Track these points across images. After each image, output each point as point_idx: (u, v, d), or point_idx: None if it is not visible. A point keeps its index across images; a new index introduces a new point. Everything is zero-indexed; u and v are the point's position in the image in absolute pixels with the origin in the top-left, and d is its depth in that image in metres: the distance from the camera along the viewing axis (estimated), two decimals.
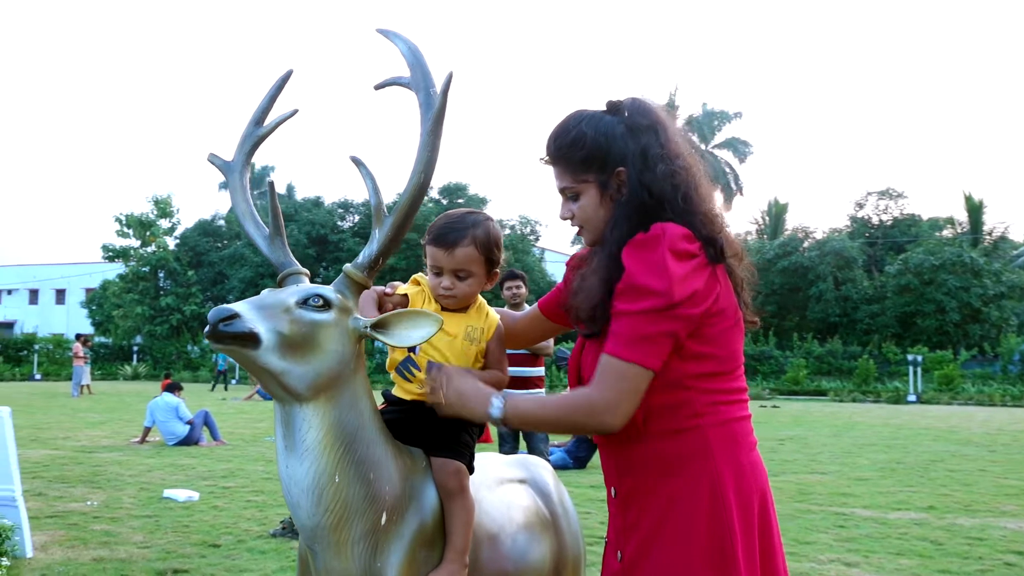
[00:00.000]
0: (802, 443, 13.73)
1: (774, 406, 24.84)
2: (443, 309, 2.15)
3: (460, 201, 43.47)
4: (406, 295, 2.16)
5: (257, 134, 2.22)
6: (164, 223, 44.96)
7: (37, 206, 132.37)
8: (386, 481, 1.97)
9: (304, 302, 1.91)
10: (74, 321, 56.97)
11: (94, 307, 49.39)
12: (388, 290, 2.16)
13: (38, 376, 38.11)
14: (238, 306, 1.82)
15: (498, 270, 2.20)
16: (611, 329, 1.78)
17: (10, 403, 7.18)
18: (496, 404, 1.86)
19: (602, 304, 1.82)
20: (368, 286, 2.05)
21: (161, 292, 45.11)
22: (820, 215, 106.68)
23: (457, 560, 2.03)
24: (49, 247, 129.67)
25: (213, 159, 2.22)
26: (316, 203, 46.65)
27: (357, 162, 2.07)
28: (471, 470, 2.17)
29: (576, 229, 1.97)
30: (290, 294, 1.93)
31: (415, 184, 1.98)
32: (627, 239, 1.81)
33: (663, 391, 1.79)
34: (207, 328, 1.77)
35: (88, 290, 55.84)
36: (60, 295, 63.91)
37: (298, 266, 2.11)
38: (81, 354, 25.73)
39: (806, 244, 42.12)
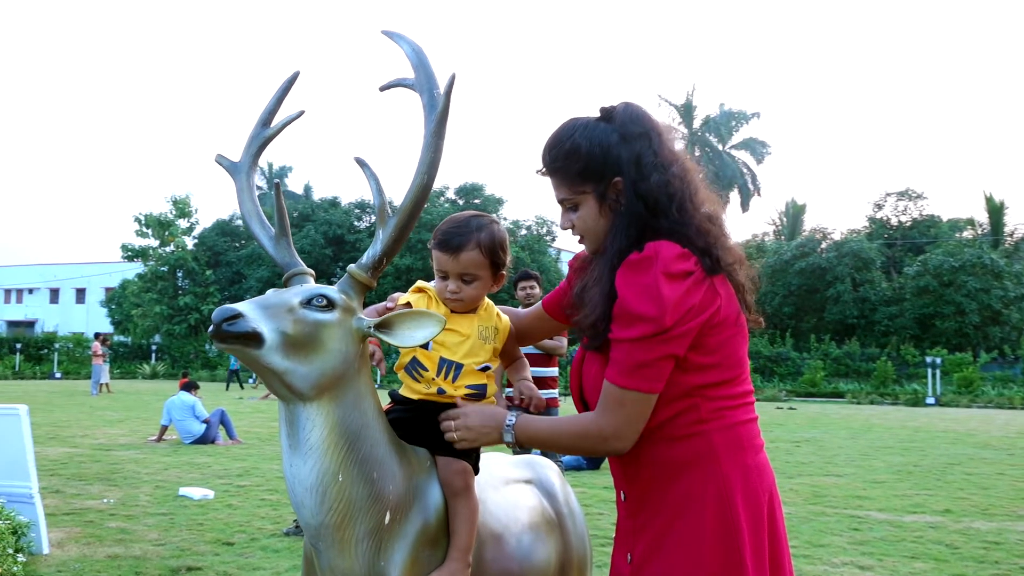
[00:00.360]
0: (818, 445, 13.65)
1: (791, 408, 24.72)
2: (452, 312, 2.15)
3: (476, 202, 43.52)
4: (408, 304, 2.16)
5: (264, 135, 2.23)
6: (183, 223, 45.32)
7: (57, 206, 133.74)
8: (390, 480, 1.98)
9: (308, 302, 1.92)
10: (94, 320, 57.49)
11: (113, 306, 49.89)
12: (389, 304, 2.16)
13: (58, 374, 38.49)
14: (242, 306, 1.84)
15: (504, 272, 2.20)
16: (611, 354, 1.80)
17: (31, 401, 7.27)
18: (507, 428, 1.94)
19: (603, 319, 1.82)
20: (372, 286, 2.06)
21: (179, 292, 45.45)
22: (838, 216, 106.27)
23: (460, 559, 2.03)
24: (69, 247, 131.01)
25: (220, 160, 2.24)
26: (333, 203, 46.89)
27: (361, 163, 2.08)
28: (476, 470, 2.17)
29: (578, 237, 1.97)
30: (294, 294, 1.94)
31: (418, 185, 1.99)
32: (626, 251, 1.81)
33: (668, 403, 1.80)
34: (211, 328, 1.79)
35: (108, 289, 56.39)
36: (80, 294, 64.52)
37: (303, 266, 2.12)
38: (100, 353, 25.97)
39: (824, 245, 41.86)
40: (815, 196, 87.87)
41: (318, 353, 1.89)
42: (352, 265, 2.05)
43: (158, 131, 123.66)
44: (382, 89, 2.09)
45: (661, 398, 1.79)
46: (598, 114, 1.94)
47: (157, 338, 45.69)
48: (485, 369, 2.15)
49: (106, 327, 49.14)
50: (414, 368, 2.11)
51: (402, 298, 2.18)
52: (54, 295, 65.85)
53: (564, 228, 1.96)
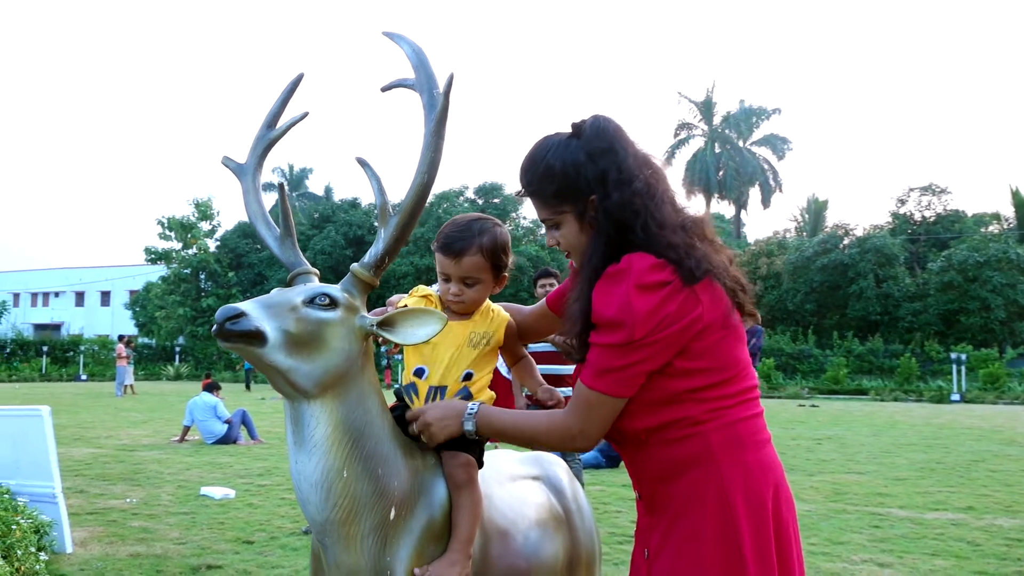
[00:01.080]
0: (840, 443, 13.54)
1: (813, 405, 24.52)
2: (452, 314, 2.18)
3: (496, 201, 43.64)
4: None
5: (269, 137, 2.26)
6: (205, 225, 45.73)
7: (82, 211, 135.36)
8: (394, 476, 2.00)
9: (311, 301, 1.94)
10: (119, 322, 58.13)
11: (138, 309, 50.41)
12: (390, 309, 2.18)
13: (84, 376, 38.93)
14: (245, 305, 1.86)
15: (506, 274, 2.23)
16: (587, 357, 1.85)
17: (56, 403, 7.38)
18: (468, 418, 1.98)
19: (583, 333, 1.86)
20: (375, 285, 2.08)
21: (202, 293, 45.85)
22: (861, 212, 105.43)
23: (461, 551, 2.05)
24: (94, 250, 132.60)
25: (226, 162, 2.27)
26: (353, 204, 47.18)
27: (362, 163, 2.10)
28: (480, 464, 2.19)
29: (565, 253, 1.99)
30: (297, 293, 1.96)
31: (419, 184, 2.01)
32: (601, 269, 1.83)
33: (660, 408, 1.81)
34: (214, 327, 1.82)
35: (132, 292, 57.00)
36: (105, 297, 65.26)
37: (308, 266, 2.16)
38: (124, 355, 26.25)
39: (846, 241, 41.44)
40: (837, 192, 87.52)
41: (321, 351, 1.91)
42: (355, 264, 2.08)
43: (180, 135, 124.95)
44: (383, 90, 2.11)
45: (653, 403, 1.81)
46: (570, 130, 1.93)
47: (180, 340, 46.12)
48: (468, 377, 2.18)
49: (130, 329, 49.70)
50: (407, 393, 2.19)
51: (402, 301, 2.21)
52: (79, 298, 66.64)
53: (549, 245, 2.00)
